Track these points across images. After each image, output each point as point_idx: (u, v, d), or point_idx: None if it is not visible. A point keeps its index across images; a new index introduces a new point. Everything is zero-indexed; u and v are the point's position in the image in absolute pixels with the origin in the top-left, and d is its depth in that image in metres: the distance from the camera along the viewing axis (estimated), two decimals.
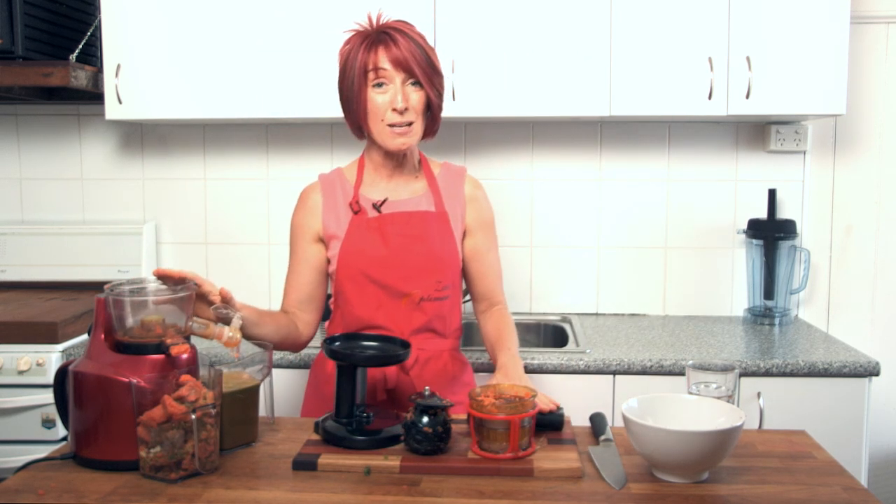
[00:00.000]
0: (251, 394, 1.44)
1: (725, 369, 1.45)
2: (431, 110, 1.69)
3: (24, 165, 2.93)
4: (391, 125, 1.65)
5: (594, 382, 2.17)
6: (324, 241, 1.75)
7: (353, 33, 1.69)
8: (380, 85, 1.63)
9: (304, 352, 2.18)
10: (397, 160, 1.74)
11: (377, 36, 1.63)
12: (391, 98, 1.63)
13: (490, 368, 2.15)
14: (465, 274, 1.82)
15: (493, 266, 1.83)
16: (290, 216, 1.82)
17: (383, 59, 1.62)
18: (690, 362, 1.50)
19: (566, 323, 2.62)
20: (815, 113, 2.39)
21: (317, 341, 1.95)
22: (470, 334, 2.57)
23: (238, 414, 1.40)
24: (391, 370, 1.68)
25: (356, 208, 1.72)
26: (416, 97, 1.64)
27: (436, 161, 1.82)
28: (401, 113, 1.63)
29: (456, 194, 1.77)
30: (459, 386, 1.78)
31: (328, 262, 1.75)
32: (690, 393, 1.45)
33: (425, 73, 1.63)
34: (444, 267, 1.71)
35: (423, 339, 1.72)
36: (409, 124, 1.65)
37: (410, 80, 1.64)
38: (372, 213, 1.72)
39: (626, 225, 2.77)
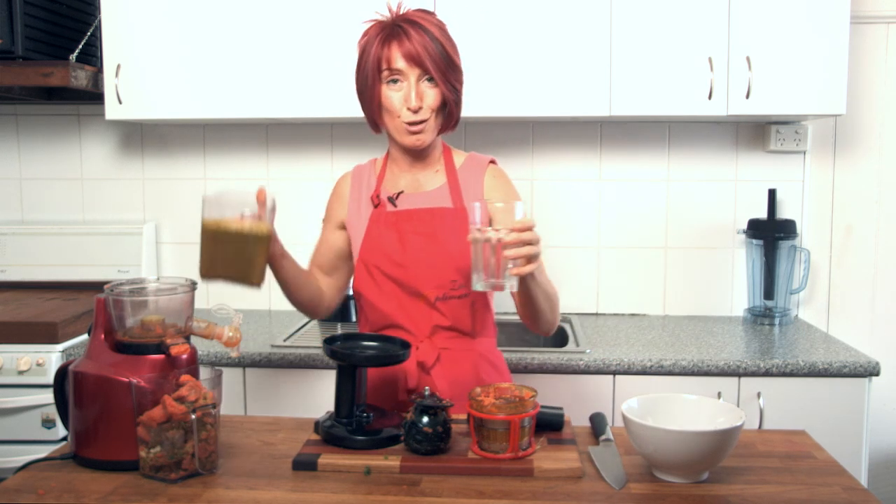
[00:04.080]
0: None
1: None
2: (448, 105, 1.65)
3: (24, 165, 2.93)
4: (407, 123, 1.62)
5: (594, 382, 2.18)
6: (346, 229, 1.76)
7: (371, 24, 1.65)
8: (394, 81, 1.61)
9: None
10: (415, 154, 1.71)
11: (392, 29, 1.60)
12: (405, 96, 1.60)
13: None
14: None
15: None
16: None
17: (397, 56, 1.58)
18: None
19: (566, 323, 2.62)
20: (815, 113, 2.39)
21: None
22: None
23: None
24: (412, 370, 1.65)
25: (376, 202, 1.71)
26: (431, 94, 1.61)
27: (461, 152, 1.78)
28: (415, 111, 1.60)
29: (475, 187, 1.72)
30: None
31: (350, 248, 1.76)
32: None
33: (439, 68, 1.59)
34: (458, 266, 1.67)
35: (446, 338, 1.68)
36: (424, 122, 1.62)
37: (425, 77, 1.60)
38: (389, 207, 1.70)
39: (626, 225, 2.77)
